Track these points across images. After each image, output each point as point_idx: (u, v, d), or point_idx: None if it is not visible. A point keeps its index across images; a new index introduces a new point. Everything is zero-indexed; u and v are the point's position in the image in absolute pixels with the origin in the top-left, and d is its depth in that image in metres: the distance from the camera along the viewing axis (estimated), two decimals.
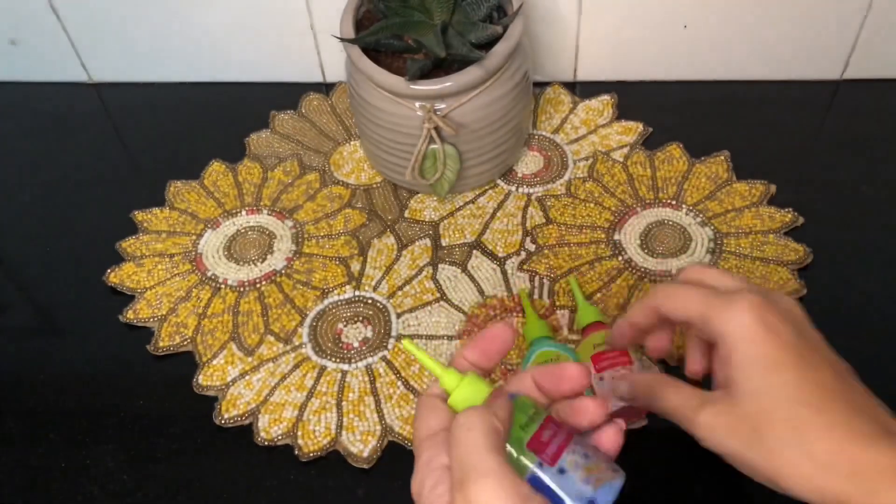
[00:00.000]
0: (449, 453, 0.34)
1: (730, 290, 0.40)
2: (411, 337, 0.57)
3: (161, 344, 0.58)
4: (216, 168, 0.70)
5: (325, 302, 0.60)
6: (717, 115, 0.71)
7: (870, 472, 0.34)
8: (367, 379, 0.55)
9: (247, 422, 0.54)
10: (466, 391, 0.37)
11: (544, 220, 0.64)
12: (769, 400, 0.37)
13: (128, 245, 0.65)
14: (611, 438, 0.38)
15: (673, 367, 0.54)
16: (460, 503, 0.32)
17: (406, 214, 0.65)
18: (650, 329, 0.45)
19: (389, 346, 0.57)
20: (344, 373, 0.56)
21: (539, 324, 0.54)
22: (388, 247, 0.63)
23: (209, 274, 0.62)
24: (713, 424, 0.38)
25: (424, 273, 0.61)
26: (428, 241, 0.63)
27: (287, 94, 0.76)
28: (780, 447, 0.36)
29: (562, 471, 0.35)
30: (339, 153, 0.71)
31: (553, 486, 0.35)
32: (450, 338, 0.57)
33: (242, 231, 0.65)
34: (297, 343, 0.58)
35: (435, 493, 0.34)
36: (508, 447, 0.35)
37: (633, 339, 0.46)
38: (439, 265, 0.61)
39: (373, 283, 0.61)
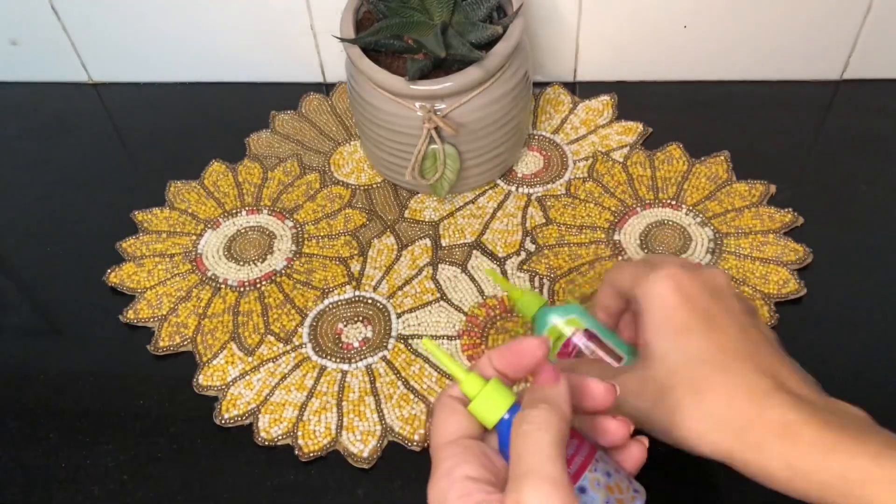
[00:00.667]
0: (512, 444, 0.33)
1: (660, 264, 0.41)
2: (419, 336, 0.57)
3: (161, 344, 0.58)
4: (216, 168, 0.70)
5: (326, 302, 0.60)
6: (717, 116, 0.71)
7: (755, 427, 0.36)
8: (367, 379, 0.55)
9: (247, 422, 0.54)
10: (489, 399, 0.36)
11: (544, 221, 0.64)
12: (675, 361, 0.38)
13: (128, 245, 0.65)
14: (633, 456, 0.38)
15: None
16: (511, 498, 0.31)
17: (406, 214, 0.65)
18: (619, 311, 0.46)
19: (390, 346, 0.57)
20: (344, 373, 0.56)
21: (531, 295, 0.50)
22: (388, 247, 0.63)
23: (209, 274, 0.62)
24: (626, 389, 0.39)
25: (424, 273, 0.61)
26: (428, 241, 0.63)
27: (287, 95, 0.76)
28: (679, 405, 0.37)
29: (583, 490, 0.35)
30: (339, 153, 0.71)
31: None
32: (450, 338, 0.57)
33: (242, 231, 0.65)
34: (297, 343, 0.58)
35: (462, 503, 0.33)
36: None
37: (609, 324, 0.47)
38: (439, 265, 0.61)
39: (373, 283, 0.61)
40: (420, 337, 0.57)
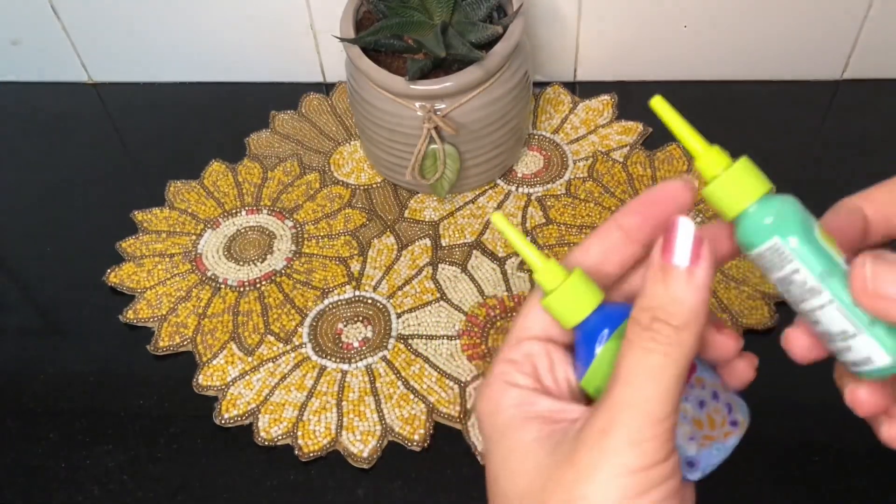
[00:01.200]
0: (623, 357, 0.27)
1: None
2: (419, 336, 0.57)
3: (161, 344, 0.58)
4: (216, 168, 0.70)
5: (325, 302, 0.60)
6: (717, 115, 0.71)
7: None
8: (367, 379, 0.55)
9: (247, 422, 0.54)
10: (569, 293, 0.29)
11: (544, 220, 0.64)
12: None
13: (128, 245, 0.65)
14: (739, 374, 0.31)
15: None
16: (600, 423, 0.26)
17: (406, 214, 0.65)
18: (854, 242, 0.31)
19: (390, 346, 0.57)
20: (344, 373, 0.56)
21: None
22: (388, 247, 0.63)
23: (209, 274, 0.62)
24: None
25: (424, 273, 0.61)
26: (428, 241, 0.63)
27: (287, 94, 0.76)
28: None
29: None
30: (339, 153, 0.71)
31: None
32: (450, 338, 0.57)
33: (242, 231, 0.65)
34: (297, 343, 0.58)
35: (521, 414, 0.28)
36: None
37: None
38: (439, 265, 0.61)
39: (373, 283, 0.61)
40: (421, 337, 0.57)
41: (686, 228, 0.26)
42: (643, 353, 0.26)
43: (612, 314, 0.30)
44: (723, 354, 0.30)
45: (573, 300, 0.29)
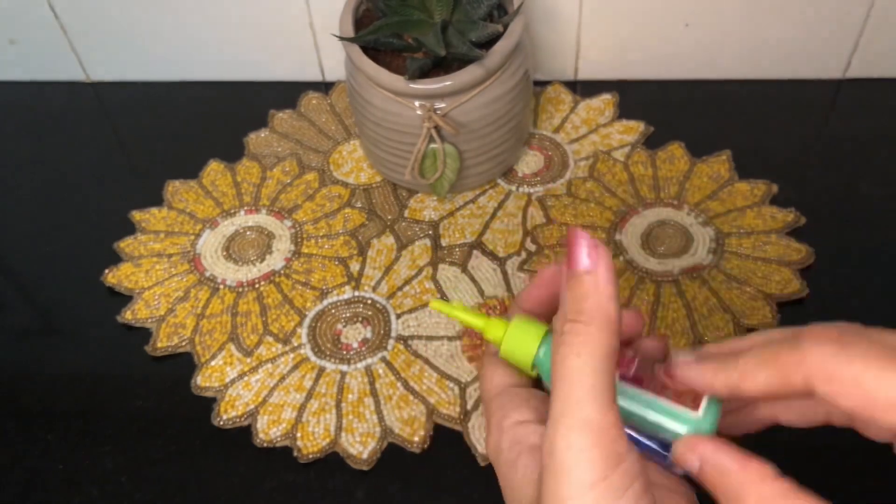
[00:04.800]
0: (551, 371, 0.28)
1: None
2: (419, 336, 0.57)
3: (159, 345, 0.58)
4: (214, 167, 0.70)
5: (324, 302, 0.59)
6: (719, 115, 0.71)
7: None
8: (366, 380, 0.55)
9: (245, 423, 0.54)
10: (515, 338, 0.32)
11: (545, 220, 0.63)
12: None
13: (125, 245, 0.65)
14: (630, 324, 0.33)
15: None
16: (546, 445, 0.27)
17: (406, 214, 0.65)
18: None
19: (389, 347, 0.56)
20: (343, 374, 0.55)
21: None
22: (387, 247, 0.63)
23: (207, 274, 0.62)
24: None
25: (424, 273, 0.61)
26: (428, 241, 0.63)
27: (286, 93, 0.76)
28: None
29: (637, 380, 0.31)
30: (338, 152, 0.70)
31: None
32: (450, 338, 0.57)
33: (241, 231, 0.65)
34: (295, 344, 0.57)
35: (514, 452, 0.30)
36: None
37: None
38: (439, 265, 0.61)
39: (372, 284, 0.60)
40: (421, 337, 0.57)
41: (580, 237, 0.28)
42: (561, 361, 0.27)
43: None
44: (628, 331, 0.32)
45: (520, 339, 0.32)
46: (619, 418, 0.27)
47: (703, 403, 0.30)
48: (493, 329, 0.33)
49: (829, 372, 0.27)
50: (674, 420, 0.30)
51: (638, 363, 0.32)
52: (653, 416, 0.30)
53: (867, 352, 0.27)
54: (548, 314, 0.34)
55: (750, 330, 0.56)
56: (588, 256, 0.28)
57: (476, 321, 0.33)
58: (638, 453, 0.27)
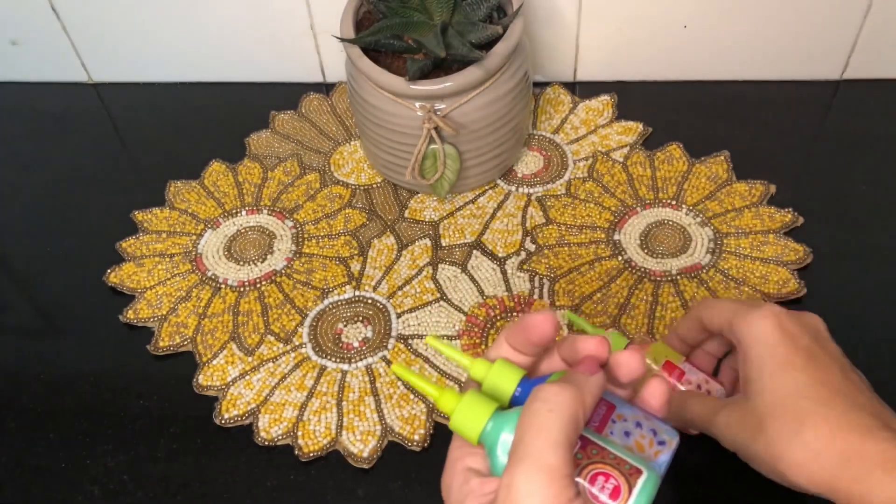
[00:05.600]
0: (519, 420, 0.32)
1: (759, 303, 0.42)
2: (419, 336, 0.57)
3: (161, 344, 0.58)
4: (216, 168, 0.70)
5: (325, 302, 0.60)
6: (718, 115, 0.71)
7: (859, 460, 0.35)
8: (367, 379, 0.55)
9: (247, 422, 0.54)
10: (497, 378, 0.35)
11: (544, 220, 0.64)
12: (776, 395, 0.38)
13: (128, 245, 0.65)
14: (656, 393, 0.36)
15: None
16: (505, 480, 0.30)
17: (406, 214, 0.65)
18: (697, 343, 0.48)
19: (389, 346, 0.57)
20: (344, 373, 0.56)
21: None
22: (388, 247, 0.63)
23: (209, 274, 0.62)
24: (727, 422, 0.40)
25: (424, 273, 0.61)
26: (428, 241, 0.63)
27: (287, 94, 0.76)
28: (779, 437, 0.37)
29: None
30: (339, 153, 0.71)
31: None
32: (450, 338, 0.57)
33: (242, 231, 0.65)
34: (297, 343, 0.58)
35: (462, 493, 0.34)
36: None
37: (682, 352, 0.48)
38: (439, 265, 0.61)
39: (373, 283, 0.61)
40: (420, 337, 0.57)
41: (594, 363, 0.35)
42: (533, 413, 0.31)
43: (534, 384, 0.35)
44: (629, 371, 0.36)
45: (501, 381, 0.36)
46: (572, 472, 0.31)
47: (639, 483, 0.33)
48: (477, 367, 0.36)
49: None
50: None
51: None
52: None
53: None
54: (525, 356, 0.37)
55: None
56: (590, 370, 0.34)
57: (462, 359, 0.37)
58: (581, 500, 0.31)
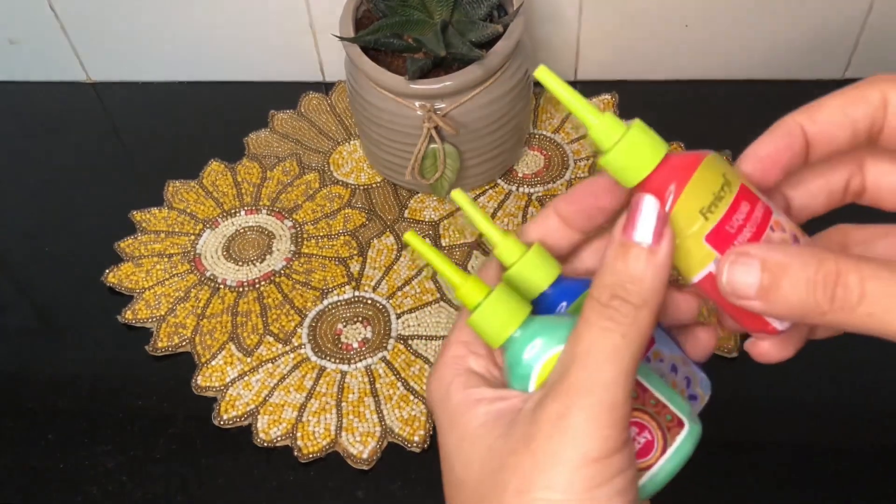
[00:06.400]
0: (577, 335, 0.26)
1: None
2: (419, 336, 0.57)
3: (160, 344, 0.58)
4: (215, 168, 0.70)
5: (325, 302, 0.59)
6: (719, 115, 0.71)
7: None
8: (366, 380, 0.55)
9: (246, 423, 0.54)
10: (529, 268, 0.29)
11: None
12: None
13: (126, 245, 0.65)
14: (701, 344, 0.31)
15: None
16: (555, 408, 0.25)
17: (406, 214, 0.65)
18: (794, 165, 0.30)
19: (389, 347, 0.57)
20: (343, 373, 0.55)
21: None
22: (387, 247, 0.63)
23: (208, 274, 0.62)
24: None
25: (424, 273, 0.61)
26: (428, 241, 0.63)
27: (286, 94, 0.76)
28: None
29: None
30: (338, 153, 0.70)
31: None
32: None
33: (241, 231, 0.65)
34: (296, 344, 0.57)
35: (467, 398, 0.28)
36: None
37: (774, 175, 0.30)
38: None
39: (372, 284, 0.60)
40: (421, 337, 0.57)
41: (650, 207, 0.26)
42: (601, 333, 0.26)
43: (570, 288, 0.29)
44: (683, 316, 0.30)
45: (535, 271, 0.29)
46: (631, 411, 0.26)
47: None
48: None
49: None
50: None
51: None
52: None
53: None
54: (584, 227, 0.30)
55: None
56: (655, 232, 0.26)
57: (492, 232, 0.29)
58: (633, 449, 0.27)
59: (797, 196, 0.31)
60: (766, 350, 0.29)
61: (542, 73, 0.27)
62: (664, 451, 0.28)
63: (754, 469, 0.49)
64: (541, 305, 0.30)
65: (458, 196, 0.30)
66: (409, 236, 0.29)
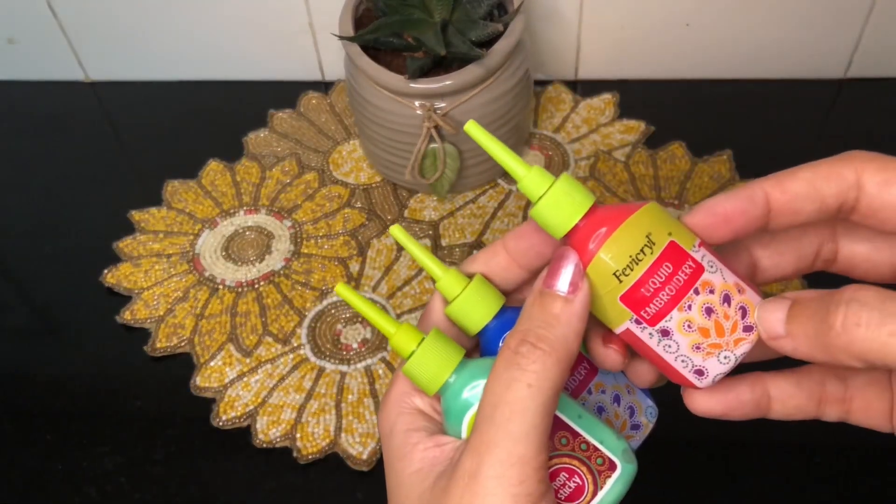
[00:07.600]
0: (488, 388, 0.26)
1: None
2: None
3: (158, 345, 0.58)
4: (214, 167, 0.70)
5: (324, 302, 0.59)
6: (720, 114, 0.71)
7: None
8: (366, 380, 0.55)
9: (245, 424, 0.54)
10: (472, 301, 0.29)
11: None
12: None
13: (125, 245, 0.64)
14: (641, 376, 0.30)
15: None
16: (468, 465, 0.25)
17: (406, 214, 0.65)
18: (752, 226, 0.28)
19: (389, 348, 0.56)
20: (343, 374, 0.55)
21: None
22: (387, 247, 0.63)
23: (207, 274, 0.62)
24: None
25: (424, 273, 0.60)
26: (428, 241, 0.63)
27: (285, 93, 0.75)
28: None
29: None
30: (338, 152, 0.70)
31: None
32: None
33: (240, 231, 0.65)
34: (295, 344, 0.57)
35: (408, 440, 0.28)
36: None
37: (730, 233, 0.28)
38: None
39: (372, 284, 0.60)
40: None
41: (569, 260, 0.27)
42: (507, 385, 0.25)
43: (513, 319, 0.29)
44: (609, 368, 0.29)
45: (477, 302, 0.29)
46: (547, 460, 0.26)
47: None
48: (450, 280, 0.29)
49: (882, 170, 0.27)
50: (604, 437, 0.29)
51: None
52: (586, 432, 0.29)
53: None
54: (531, 265, 0.30)
55: None
56: (571, 283, 0.26)
57: (433, 267, 0.30)
58: (552, 499, 0.26)
59: (765, 256, 0.30)
60: (694, 402, 0.29)
61: (472, 128, 0.28)
62: (595, 494, 0.27)
63: (754, 469, 0.49)
64: (485, 337, 0.30)
65: (397, 232, 0.31)
66: (340, 289, 0.31)
